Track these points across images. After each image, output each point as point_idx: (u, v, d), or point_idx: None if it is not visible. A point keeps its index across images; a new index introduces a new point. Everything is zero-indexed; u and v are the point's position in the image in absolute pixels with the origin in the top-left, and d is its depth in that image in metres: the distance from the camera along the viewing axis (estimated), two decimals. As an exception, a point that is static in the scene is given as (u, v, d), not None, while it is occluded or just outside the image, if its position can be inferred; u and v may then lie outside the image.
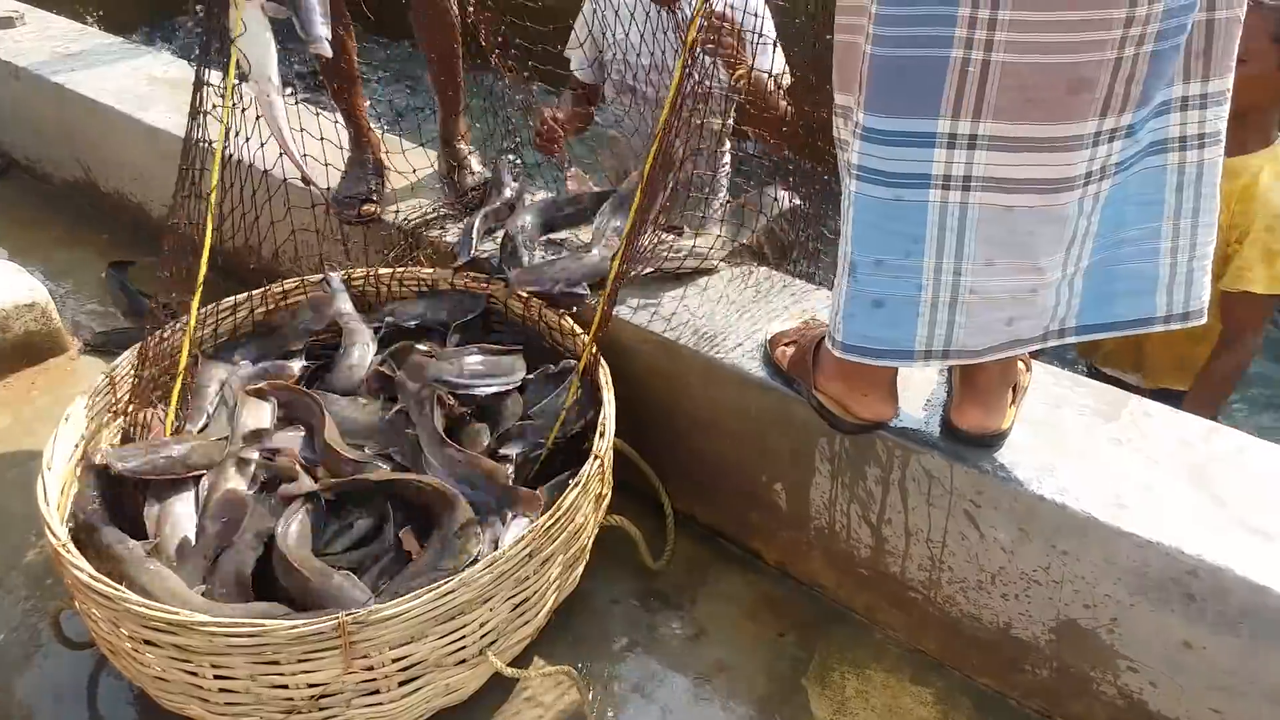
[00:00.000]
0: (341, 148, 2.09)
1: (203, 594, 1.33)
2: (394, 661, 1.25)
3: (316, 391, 1.66)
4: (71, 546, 1.30)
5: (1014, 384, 1.39)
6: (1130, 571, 1.25)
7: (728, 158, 2.31)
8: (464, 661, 1.32)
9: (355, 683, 1.25)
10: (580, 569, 1.51)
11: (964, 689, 1.48)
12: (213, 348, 1.76)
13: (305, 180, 1.81)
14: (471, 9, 1.97)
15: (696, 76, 1.49)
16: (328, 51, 1.51)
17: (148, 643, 1.23)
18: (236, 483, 1.47)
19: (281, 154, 1.69)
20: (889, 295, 1.17)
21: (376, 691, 1.27)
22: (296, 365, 1.75)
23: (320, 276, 1.85)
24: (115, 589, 1.23)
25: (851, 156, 1.14)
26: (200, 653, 1.21)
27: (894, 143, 1.10)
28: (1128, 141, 1.10)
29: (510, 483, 1.46)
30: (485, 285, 1.84)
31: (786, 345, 1.55)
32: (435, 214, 2.05)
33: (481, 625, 1.31)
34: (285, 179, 1.83)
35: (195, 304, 1.58)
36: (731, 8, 1.86)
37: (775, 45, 2.05)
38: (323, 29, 1.50)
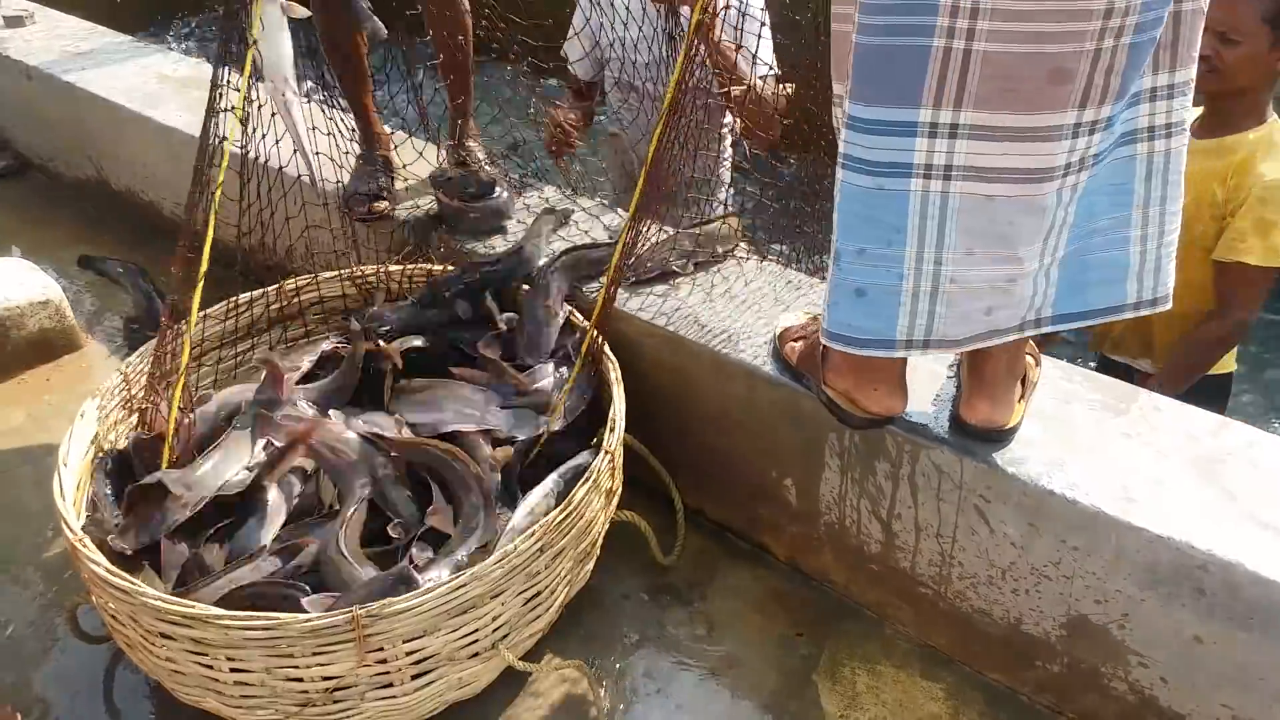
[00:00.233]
0: (345, 152, 2.10)
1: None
2: (407, 655, 1.26)
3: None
4: (88, 541, 1.32)
5: (1023, 378, 1.40)
6: (1141, 566, 1.26)
7: (729, 152, 2.31)
8: (476, 655, 1.33)
9: (369, 676, 1.26)
10: (591, 564, 1.52)
11: (975, 684, 1.49)
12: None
13: (313, 179, 1.82)
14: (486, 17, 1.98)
15: (699, 74, 1.50)
16: (382, 31, 1.60)
17: (164, 636, 1.25)
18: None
19: (295, 151, 1.70)
20: (871, 284, 1.18)
21: (390, 685, 1.28)
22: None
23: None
24: (132, 583, 1.24)
25: (840, 145, 1.16)
26: (216, 646, 1.22)
27: (876, 131, 1.11)
28: (1106, 134, 1.12)
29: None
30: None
31: (795, 340, 1.55)
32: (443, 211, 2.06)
33: (494, 619, 1.32)
34: (299, 176, 1.84)
35: (195, 301, 1.57)
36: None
37: (762, 36, 2.04)
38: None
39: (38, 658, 1.54)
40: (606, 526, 1.53)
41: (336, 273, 1.92)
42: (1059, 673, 1.41)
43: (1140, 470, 1.32)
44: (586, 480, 1.40)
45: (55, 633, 1.58)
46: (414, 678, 1.29)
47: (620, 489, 1.57)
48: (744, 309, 1.71)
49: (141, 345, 1.71)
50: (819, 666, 1.51)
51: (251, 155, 1.68)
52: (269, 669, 1.23)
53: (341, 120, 2.10)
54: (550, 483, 1.49)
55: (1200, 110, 2.00)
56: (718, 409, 1.66)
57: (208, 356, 1.80)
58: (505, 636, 1.35)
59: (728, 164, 2.32)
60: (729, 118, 2.21)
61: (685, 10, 1.92)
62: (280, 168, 1.76)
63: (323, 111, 2.06)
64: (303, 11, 1.56)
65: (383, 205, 2.07)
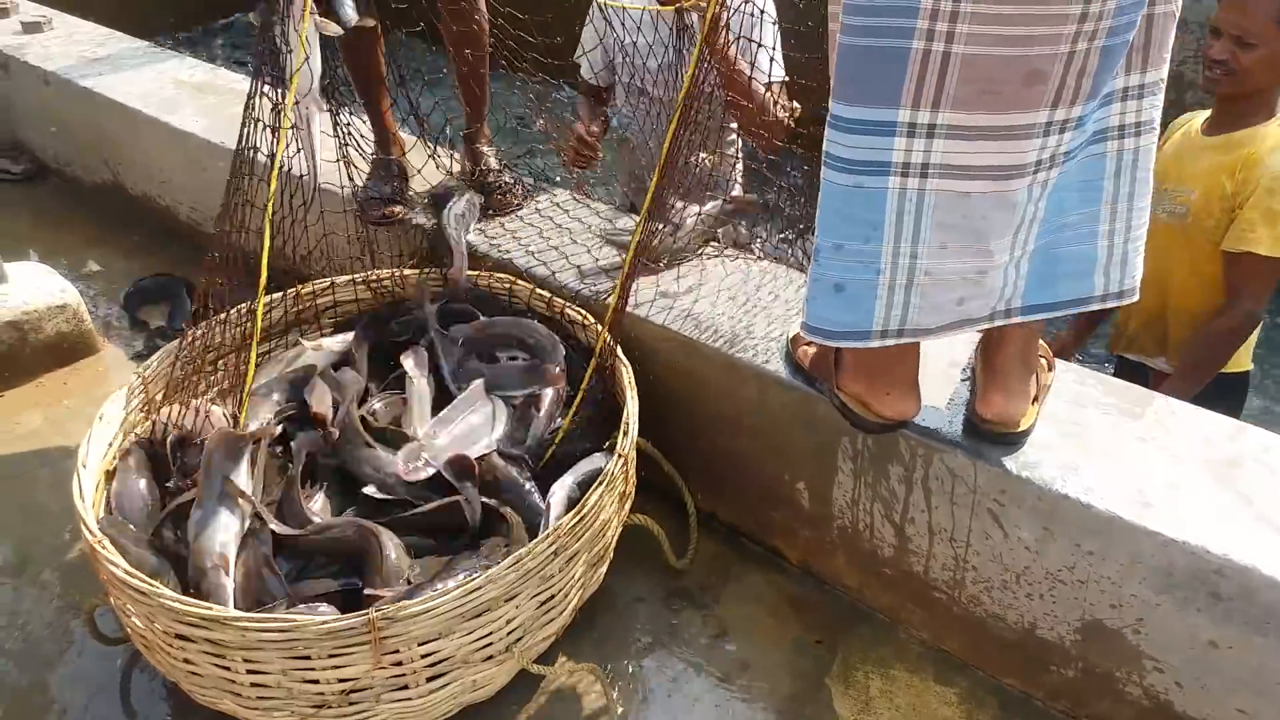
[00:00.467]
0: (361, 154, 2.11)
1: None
2: (423, 657, 1.27)
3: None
4: (107, 543, 1.33)
5: (1034, 375, 1.40)
6: (1156, 571, 1.25)
7: (734, 149, 2.31)
8: (491, 658, 1.33)
9: (385, 678, 1.27)
10: (604, 567, 1.52)
11: (989, 689, 1.48)
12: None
13: (315, 185, 1.84)
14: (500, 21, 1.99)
15: (710, 79, 1.51)
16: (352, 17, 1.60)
17: (181, 637, 1.25)
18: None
19: (299, 152, 1.72)
20: (849, 279, 1.20)
21: (405, 687, 1.29)
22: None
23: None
24: (150, 584, 1.25)
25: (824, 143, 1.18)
26: (233, 647, 1.23)
27: (856, 131, 1.12)
28: (1077, 132, 1.14)
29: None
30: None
31: (808, 344, 1.56)
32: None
33: (508, 622, 1.32)
34: (317, 184, 1.86)
35: (259, 309, 1.57)
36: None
37: (771, 41, 2.05)
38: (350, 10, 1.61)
39: (55, 659, 1.56)
40: (620, 530, 1.54)
41: (351, 277, 1.93)
42: (1073, 678, 1.41)
43: (1155, 474, 1.32)
44: (600, 484, 1.40)
45: (73, 634, 1.59)
46: (429, 680, 1.30)
47: (633, 493, 1.58)
48: (756, 313, 1.71)
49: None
50: (832, 671, 1.51)
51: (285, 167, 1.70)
52: (285, 670, 1.24)
53: (357, 124, 2.11)
54: (565, 487, 1.50)
55: (1209, 111, 2.02)
56: (730, 413, 1.66)
57: (224, 360, 1.81)
58: (519, 639, 1.35)
59: (735, 150, 2.32)
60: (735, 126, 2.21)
61: (695, 18, 1.93)
62: (301, 176, 1.78)
63: (344, 116, 2.08)
64: (336, 29, 1.58)
65: (397, 209, 2.08)
